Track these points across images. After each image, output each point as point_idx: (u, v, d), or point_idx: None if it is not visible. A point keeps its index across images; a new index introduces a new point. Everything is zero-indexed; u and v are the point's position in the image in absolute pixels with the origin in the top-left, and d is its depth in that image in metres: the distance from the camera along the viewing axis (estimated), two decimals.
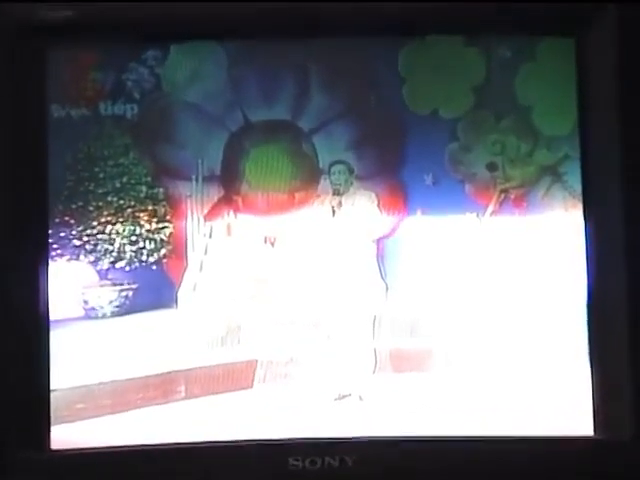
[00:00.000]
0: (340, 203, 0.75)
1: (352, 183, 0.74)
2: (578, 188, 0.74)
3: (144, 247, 0.73)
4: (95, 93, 0.74)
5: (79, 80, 0.74)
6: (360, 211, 0.75)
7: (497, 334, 0.74)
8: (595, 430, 0.72)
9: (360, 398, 0.74)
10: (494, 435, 0.72)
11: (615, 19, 0.70)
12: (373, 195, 0.74)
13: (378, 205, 0.74)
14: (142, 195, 0.74)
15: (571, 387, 0.73)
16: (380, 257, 0.75)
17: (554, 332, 0.73)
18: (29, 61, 0.71)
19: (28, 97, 0.71)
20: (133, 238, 0.73)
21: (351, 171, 0.74)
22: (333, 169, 0.74)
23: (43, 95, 0.73)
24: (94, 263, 0.73)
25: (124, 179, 0.73)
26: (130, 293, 0.73)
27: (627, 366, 0.70)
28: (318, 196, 0.75)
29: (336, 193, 0.75)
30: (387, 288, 0.74)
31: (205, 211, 0.74)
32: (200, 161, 0.74)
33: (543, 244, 0.74)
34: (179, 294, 0.73)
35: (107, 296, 0.73)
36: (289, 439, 0.71)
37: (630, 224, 0.70)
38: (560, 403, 0.73)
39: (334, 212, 0.75)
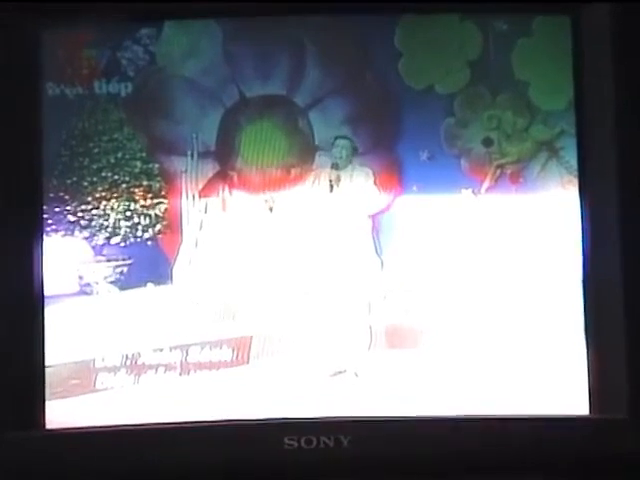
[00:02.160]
0: (338, 178, 0.74)
1: (351, 161, 0.74)
2: (574, 163, 0.73)
3: (139, 223, 0.73)
4: (90, 71, 0.73)
5: (74, 59, 0.73)
6: (357, 187, 0.74)
7: (493, 311, 0.74)
8: (591, 409, 0.72)
9: (356, 374, 0.74)
10: (489, 414, 0.72)
11: None
12: (370, 172, 0.74)
13: (375, 182, 0.74)
14: (137, 170, 0.73)
15: (566, 366, 0.73)
16: (375, 233, 0.74)
17: (549, 310, 0.73)
18: (24, 40, 0.71)
19: (23, 76, 0.71)
20: (128, 214, 0.73)
21: (354, 148, 0.74)
22: (337, 142, 0.74)
23: (38, 74, 0.72)
24: (89, 239, 0.73)
25: (119, 154, 0.73)
26: (125, 269, 0.73)
27: (623, 345, 0.69)
28: (313, 171, 0.74)
29: (334, 167, 0.74)
30: (382, 264, 0.74)
31: (200, 187, 0.74)
32: (195, 136, 0.73)
33: (539, 220, 0.74)
34: (174, 270, 0.73)
35: (102, 272, 0.73)
36: (285, 418, 0.71)
37: (626, 199, 0.70)
38: (555, 382, 0.73)
39: (332, 187, 0.74)
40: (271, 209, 0.74)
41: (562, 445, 0.69)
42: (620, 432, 0.69)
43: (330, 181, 0.74)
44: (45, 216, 0.72)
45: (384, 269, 0.74)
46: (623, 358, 0.69)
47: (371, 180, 0.74)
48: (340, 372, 0.74)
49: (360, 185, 0.74)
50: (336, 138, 0.74)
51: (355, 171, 0.74)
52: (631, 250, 0.70)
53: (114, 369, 0.73)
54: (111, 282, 0.73)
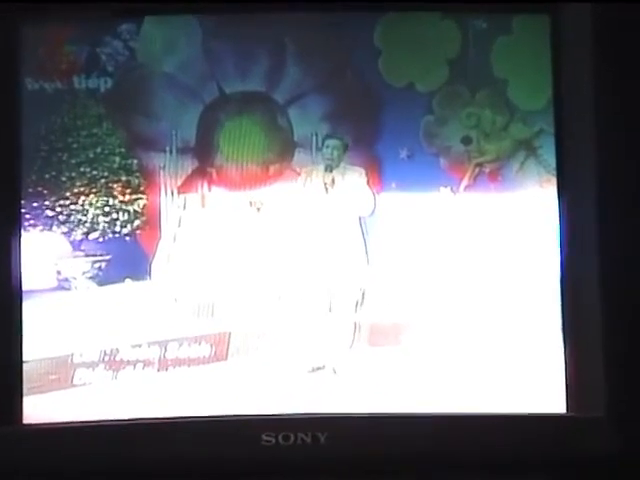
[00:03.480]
0: (333, 181, 0.74)
1: (342, 160, 0.74)
2: (552, 162, 0.74)
3: (117, 218, 0.73)
4: (69, 67, 0.73)
5: (53, 54, 0.73)
6: (350, 188, 0.74)
7: (472, 310, 0.74)
8: (568, 407, 0.72)
9: (334, 371, 0.74)
10: (467, 412, 0.72)
11: None
12: (363, 171, 0.74)
13: (367, 182, 0.74)
14: (115, 166, 0.73)
15: (544, 364, 0.73)
16: (362, 231, 0.74)
17: (527, 308, 0.73)
18: (3, 35, 0.71)
19: (2, 70, 0.71)
20: (106, 209, 0.73)
21: (345, 147, 0.74)
22: (327, 143, 0.74)
23: (17, 69, 0.72)
24: (67, 234, 0.73)
25: (98, 150, 0.73)
26: (103, 264, 0.73)
27: (600, 343, 0.70)
28: (293, 169, 0.74)
29: (328, 170, 0.74)
30: (367, 261, 0.74)
31: (179, 183, 0.74)
32: (174, 132, 0.73)
33: (517, 218, 0.74)
34: (152, 266, 0.73)
35: (80, 267, 0.73)
36: (262, 415, 0.71)
37: (603, 199, 0.70)
38: (533, 380, 0.73)
39: (327, 190, 0.74)
40: (258, 209, 0.74)
41: (539, 443, 0.69)
42: (597, 431, 0.69)
43: (325, 184, 0.74)
44: (23, 211, 0.72)
45: (367, 267, 0.74)
46: (600, 357, 0.70)
47: (364, 180, 0.74)
48: (319, 369, 0.74)
49: (353, 185, 0.74)
50: (324, 139, 0.74)
51: (347, 171, 0.74)
52: (608, 249, 0.70)
53: (92, 365, 0.73)
54: (89, 277, 0.73)
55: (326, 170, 0.74)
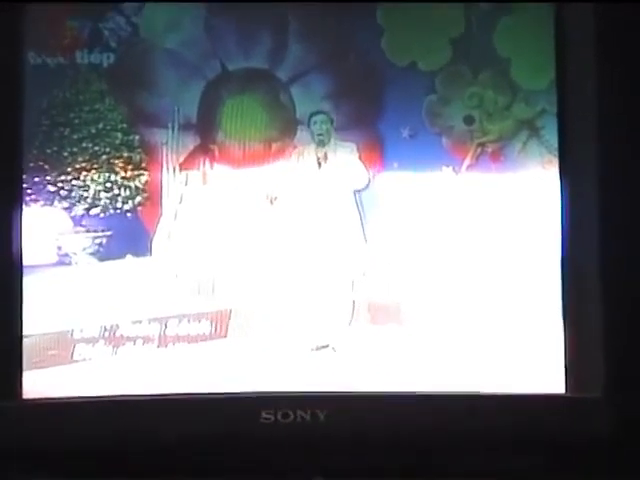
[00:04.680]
0: (325, 155, 0.74)
1: (332, 134, 0.74)
2: (554, 143, 0.74)
3: (119, 194, 0.73)
4: (72, 42, 0.73)
5: (56, 28, 0.73)
6: (342, 162, 0.74)
7: (472, 289, 0.74)
8: (567, 388, 0.72)
9: (334, 349, 0.74)
10: (466, 392, 0.72)
11: None
12: (354, 146, 0.74)
13: (359, 157, 0.74)
14: (117, 142, 0.73)
15: (543, 345, 0.73)
16: (359, 209, 0.74)
17: (528, 289, 0.74)
18: (6, 10, 0.71)
19: (5, 44, 0.71)
20: (108, 185, 0.73)
21: (331, 121, 0.74)
22: (314, 119, 0.74)
23: (20, 43, 0.72)
24: (68, 209, 0.73)
25: (99, 125, 0.73)
26: (104, 240, 0.73)
27: (599, 324, 0.70)
28: (296, 146, 0.74)
29: (321, 144, 0.74)
30: (364, 240, 0.74)
31: (181, 159, 0.74)
32: (176, 109, 0.73)
33: (519, 198, 0.74)
34: (153, 242, 0.73)
35: (81, 243, 0.73)
36: (261, 392, 0.71)
37: (605, 179, 0.70)
38: (532, 360, 0.73)
39: (320, 164, 0.74)
40: (272, 202, 0.74)
41: (537, 423, 0.69)
42: (595, 411, 0.69)
43: (318, 158, 0.74)
44: (25, 186, 0.72)
45: (366, 245, 0.74)
46: (600, 338, 0.70)
47: (356, 155, 0.74)
48: (319, 347, 0.74)
49: (345, 160, 0.74)
50: (311, 115, 0.74)
51: (339, 147, 0.74)
52: (609, 230, 0.70)
53: (92, 340, 0.73)
54: (90, 253, 0.73)
55: (318, 145, 0.74)
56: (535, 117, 0.74)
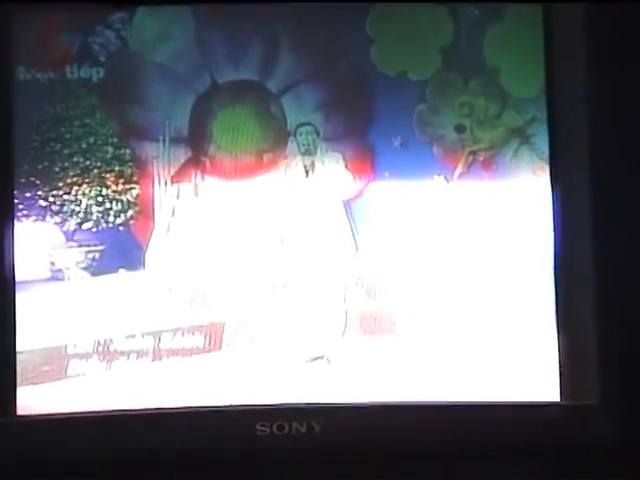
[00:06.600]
0: (313, 164, 0.74)
1: (318, 145, 0.74)
2: (546, 150, 0.74)
3: (111, 208, 0.73)
4: (61, 56, 0.73)
5: (45, 43, 0.73)
6: (329, 172, 0.74)
7: (465, 298, 0.74)
8: (561, 396, 0.72)
9: (328, 361, 0.74)
10: (461, 401, 0.72)
11: None
12: (340, 156, 0.74)
13: (346, 166, 0.74)
14: (108, 156, 0.73)
15: (538, 352, 0.73)
16: (349, 219, 0.74)
17: (521, 296, 0.74)
18: None
19: None
20: (100, 199, 0.73)
21: (317, 133, 0.74)
22: (300, 130, 0.74)
23: (9, 58, 0.72)
24: (60, 224, 0.73)
25: (90, 140, 0.73)
26: (97, 254, 0.73)
27: (594, 331, 0.70)
28: (286, 157, 0.74)
29: (307, 154, 0.74)
30: (356, 250, 0.74)
31: (172, 172, 0.73)
32: (167, 122, 0.73)
33: (511, 206, 0.74)
34: (146, 256, 0.73)
35: (73, 257, 0.73)
36: (256, 405, 0.71)
37: (596, 186, 0.70)
38: (526, 368, 0.73)
39: (307, 173, 0.75)
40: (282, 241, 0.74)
41: (532, 431, 0.69)
42: (590, 419, 0.69)
43: (305, 167, 0.75)
44: (16, 201, 0.72)
45: (358, 255, 0.74)
46: (594, 345, 0.70)
47: (342, 164, 0.74)
48: (313, 358, 0.74)
49: (332, 170, 0.74)
50: (297, 127, 0.74)
51: (325, 157, 0.74)
52: (602, 237, 0.70)
53: (86, 355, 0.72)
54: (83, 268, 0.73)
55: (305, 154, 0.74)
56: (526, 125, 0.74)
